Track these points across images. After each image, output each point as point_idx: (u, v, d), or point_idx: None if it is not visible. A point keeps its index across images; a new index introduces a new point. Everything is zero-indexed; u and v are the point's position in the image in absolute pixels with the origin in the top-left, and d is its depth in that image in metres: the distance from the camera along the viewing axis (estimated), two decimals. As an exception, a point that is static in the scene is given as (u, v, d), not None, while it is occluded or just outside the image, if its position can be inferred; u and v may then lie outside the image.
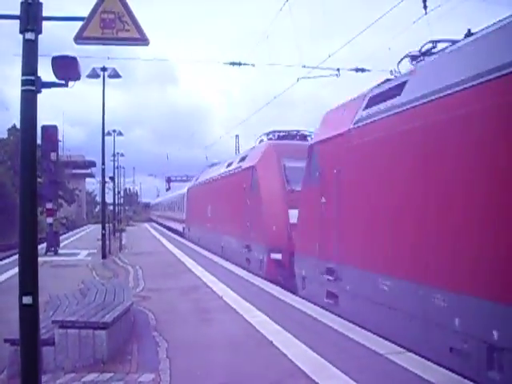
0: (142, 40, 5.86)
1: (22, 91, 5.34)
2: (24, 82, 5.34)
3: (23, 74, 5.34)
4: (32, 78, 5.35)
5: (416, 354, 8.00)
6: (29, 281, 5.24)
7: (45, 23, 5.52)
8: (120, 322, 8.82)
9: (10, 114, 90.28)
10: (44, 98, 5.50)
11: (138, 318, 11.02)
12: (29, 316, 5.21)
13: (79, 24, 5.71)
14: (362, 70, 21.78)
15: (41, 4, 5.46)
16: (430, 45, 10.21)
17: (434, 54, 9.95)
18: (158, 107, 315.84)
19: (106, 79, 26.59)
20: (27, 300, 5.14)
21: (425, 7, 13.86)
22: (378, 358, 7.90)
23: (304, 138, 20.82)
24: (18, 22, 5.45)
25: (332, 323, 10.22)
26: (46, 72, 5.62)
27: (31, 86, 5.34)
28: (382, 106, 10.32)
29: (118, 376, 7.31)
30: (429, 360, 7.68)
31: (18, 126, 5.44)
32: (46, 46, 5.51)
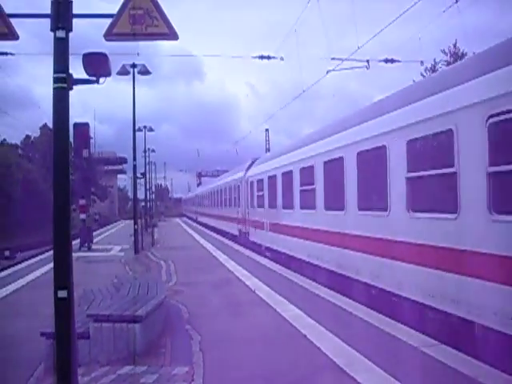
0: (172, 35, 5.88)
1: (54, 89, 5.38)
2: (56, 80, 5.38)
3: (55, 72, 5.38)
4: (64, 75, 5.39)
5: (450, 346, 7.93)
6: (63, 275, 5.29)
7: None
8: (153, 315, 8.90)
9: (41, 113, 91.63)
10: (71, 95, 5.54)
11: (171, 311, 11.10)
12: (64, 310, 5.26)
13: (104, 21, 5.76)
14: (392, 61, 21.62)
15: (71, 2, 5.51)
16: None
17: None
18: (185, 102, 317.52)
19: (135, 76, 26.80)
20: (62, 294, 5.20)
21: (456, -5, 13.50)
22: (413, 351, 7.82)
23: None
24: (42, 20, 5.52)
25: (367, 317, 10.15)
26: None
27: (63, 84, 5.38)
28: None
29: (152, 369, 7.38)
30: (463, 353, 7.59)
31: (49, 124, 5.49)
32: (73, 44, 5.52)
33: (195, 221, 66.20)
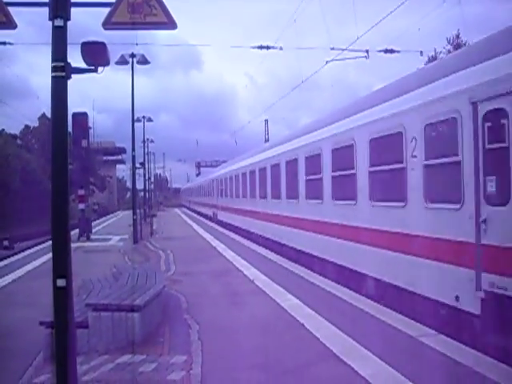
0: (170, 24, 5.85)
1: (53, 77, 5.35)
2: (54, 69, 5.34)
3: (53, 61, 5.35)
4: (62, 64, 5.36)
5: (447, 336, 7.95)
6: (62, 264, 5.28)
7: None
8: (152, 304, 8.92)
9: (39, 102, 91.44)
10: (70, 85, 5.51)
11: (170, 301, 11.13)
12: (63, 298, 5.25)
13: (103, 10, 5.74)
14: (391, 51, 21.57)
15: (69, -10, 5.49)
16: None
17: None
18: (184, 92, 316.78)
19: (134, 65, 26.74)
20: (61, 283, 5.19)
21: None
22: (410, 340, 7.85)
23: None
24: (40, 9, 5.50)
25: (364, 306, 10.18)
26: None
27: (61, 72, 5.35)
28: None
29: (150, 358, 7.41)
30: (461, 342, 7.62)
31: (47, 114, 5.48)
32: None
33: (211, 219, 45.93)
